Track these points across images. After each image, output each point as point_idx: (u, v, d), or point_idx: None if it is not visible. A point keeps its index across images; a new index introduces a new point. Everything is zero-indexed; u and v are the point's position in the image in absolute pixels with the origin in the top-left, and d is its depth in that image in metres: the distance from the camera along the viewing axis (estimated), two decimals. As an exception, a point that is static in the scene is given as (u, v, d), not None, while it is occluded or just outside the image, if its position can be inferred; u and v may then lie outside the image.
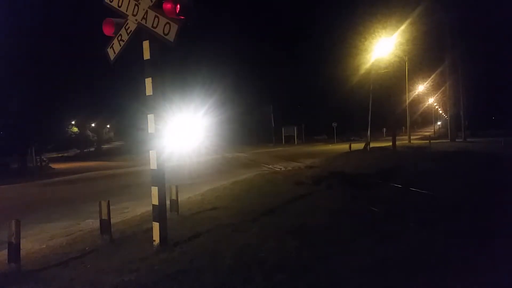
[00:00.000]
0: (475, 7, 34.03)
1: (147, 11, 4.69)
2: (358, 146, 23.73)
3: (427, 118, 77.19)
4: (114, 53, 5.15)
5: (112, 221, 5.95)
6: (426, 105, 57.17)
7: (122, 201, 9.55)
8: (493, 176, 9.53)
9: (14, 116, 24.02)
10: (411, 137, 35.32)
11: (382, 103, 24.54)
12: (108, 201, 5.64)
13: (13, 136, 25.22)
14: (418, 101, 50.68)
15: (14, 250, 4.61)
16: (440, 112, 66.22)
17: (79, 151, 47.65)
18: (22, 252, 4.80)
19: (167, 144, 5.10)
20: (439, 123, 68.52)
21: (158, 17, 4.55)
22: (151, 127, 4.90)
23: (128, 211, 8.41)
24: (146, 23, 4.69)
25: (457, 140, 32.61)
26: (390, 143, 21.30)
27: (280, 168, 16.72)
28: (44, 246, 5.85)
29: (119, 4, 5.01)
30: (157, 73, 4.83)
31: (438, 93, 44.73)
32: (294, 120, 52.87)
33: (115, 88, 32.97)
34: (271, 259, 4.10)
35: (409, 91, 34.38)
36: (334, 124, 46.40)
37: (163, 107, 4.95)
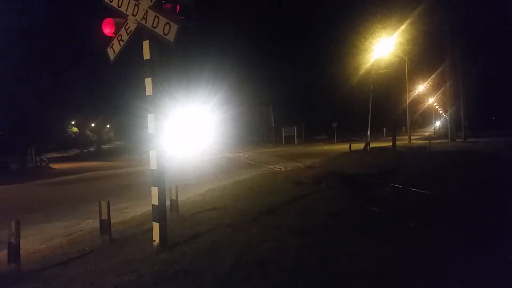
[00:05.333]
0: (475, 7, 34.01)
1: (147, 11, 4.69)
2: (358, 146, 23.71)
3: (427, 118, 77.15)
4: (114, 53, 5.15)
5: (112, 221, 5.95)
6: (426, 105, 57.13)
7: (122, 201, 9.55)
8: (493, 176, 9.52)
9: (14, 116, 24.02)
10: (411, 137, 35.30)
11: (382, 103, 24.50)
12: (108, 201, 5.64)
13: (13, 136, 25.24)
14: (418, 101, 50.63)
15: (14, 250, 4.62)
16: (440, 112, 66.18)
17: (79, 151, 47.62)
18: (22, 252, 4.80)
19: (169, 143, 5.11)
20: (439, 123, 68.45)
21: (158, 17, 4.54)
22: (151, 127, 4.91)
23: (128, 211, 8.41)
24: (146, 23, 4.68)
25: (457, 140, 32.63)
26: (390, 143, 21.28)
27: (280, 168, 16.73)
28: (44, 246, 5.85)
29: (119, 4, 5.01)
30: (157, 73, 4.83)
31: (438, 93, 44.68)
32: (294, 120, 52.89)
33: (115, 87, 33.01)
34: (271, 259, 4.11)
35: (409, 91, 34.36)
36: (334, 124, 46.38)
37: (163, 107, 4.94)
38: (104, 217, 5.60)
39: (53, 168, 28.06)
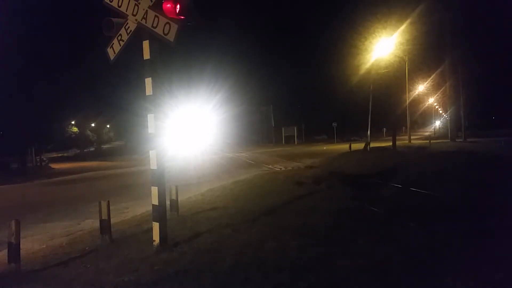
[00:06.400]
0: (475, 7, 34.03)
1: (147, 11, 4.69)
2: (358, 146, 23.72)
3: (427, 118, 77.19)
4: (114, 53, 5.14)
5: (112, 221, 5.95)
6: (426, 105, 57.15)
7: (122, 201, 9.57)
8: (493, 176, 9.51)
9: (14, 116, 24.06)
10: (411, 137, 35.30)
11: (382, 103, 24.53)
12: (108, 201, 5.64)
13: (13, 136, 25.29)
14: (418, 101, 50.66)
15: (14, 250, 4.62)
16: (440, 112, 66.17)
17: (79, 151, 47.74)
18: (22, 252, 4.80)
19: (170, 143, 5.12)
20: (439, 123, 68.44)
21: (158, 17, 4.54)
22: (151, 127, 4.91)
23: (128, 211, 8.42)
24: (146, 23, 4.68)
25: (457, 140, 32.60)
26: (390, 143, 21.29)
27: (280, 168, 16.75)
28: (44, 246, 5.86)
29: (119, 4, 5.01)
30: (157, 72, 4.84)
31: (438, 93, 44.69)
32: (294, 120, 52.92)
33: (115, 87, 33.12)
34: (271, 259, 4.10)
35: (409, 91, 34.38)
36: (334, 124, 46.44)
37: (163, 107, 4.95)
38: (104, 217, 5.60)
39: (53, 168, 28.11)
